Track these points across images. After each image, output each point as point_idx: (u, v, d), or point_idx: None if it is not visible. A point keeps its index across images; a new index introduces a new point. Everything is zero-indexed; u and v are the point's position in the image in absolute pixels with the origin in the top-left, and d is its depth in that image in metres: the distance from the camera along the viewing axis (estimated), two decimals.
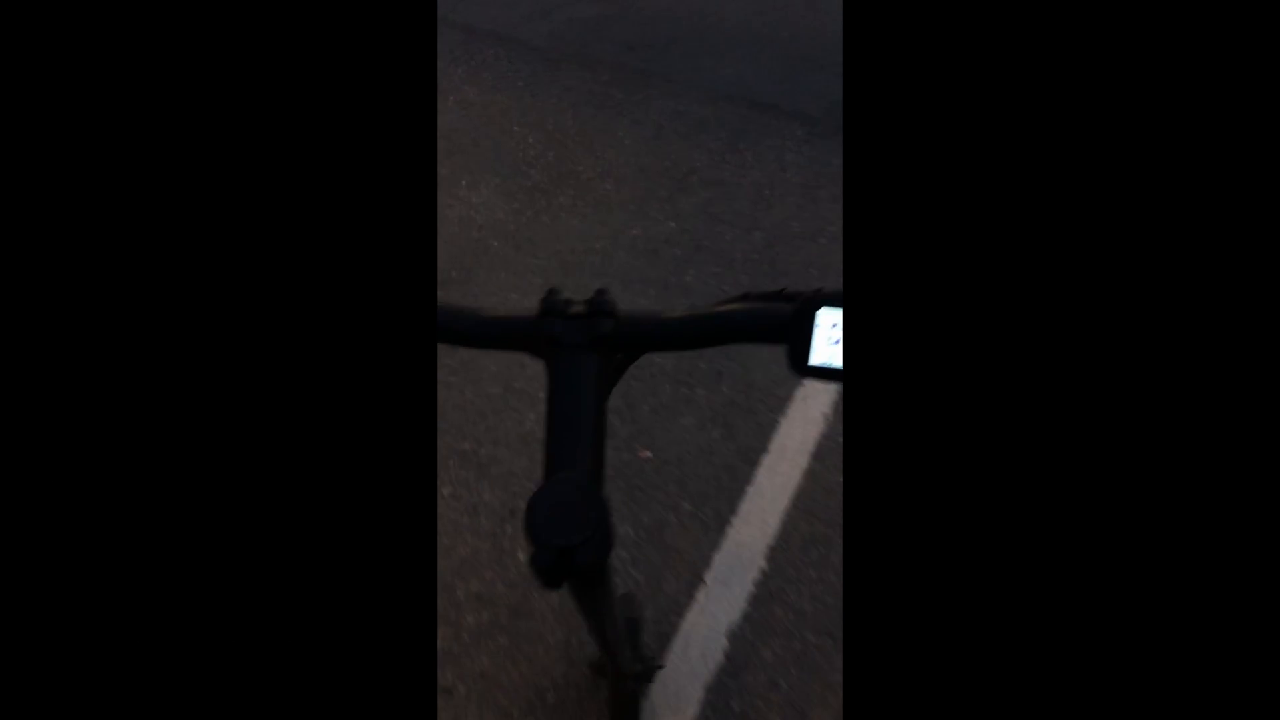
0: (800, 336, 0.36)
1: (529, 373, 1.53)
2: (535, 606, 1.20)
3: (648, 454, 1.41)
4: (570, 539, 0.32)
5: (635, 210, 1.95)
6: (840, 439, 1.45)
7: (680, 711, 1.12)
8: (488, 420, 1.47)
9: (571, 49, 2.56)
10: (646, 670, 1.10)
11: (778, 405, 1.50)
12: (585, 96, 2.36)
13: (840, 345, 0.36)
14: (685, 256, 1.83)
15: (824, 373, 0.36)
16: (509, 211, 1.94)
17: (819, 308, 0.36)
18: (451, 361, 1.55)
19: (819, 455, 1.42)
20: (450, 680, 1.13)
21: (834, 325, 0.36)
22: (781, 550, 1.28)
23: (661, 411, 1.48)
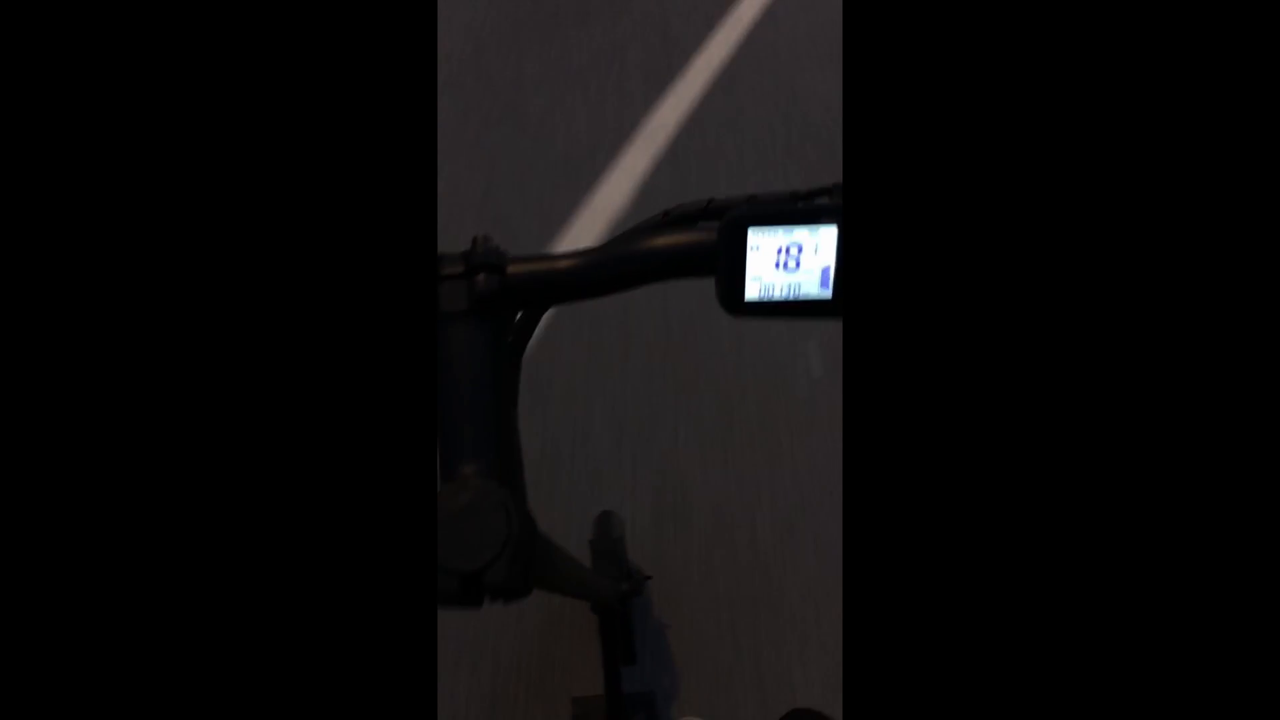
0: (731, 267, 0.28)
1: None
2: None
3: None
4: (476, 560, 0.25)
5: None
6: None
7: None
8: None
9: None
10: (634, 587, 1.02)
11: None
12: None
13: (784, 270, 0.27)
14: None
15: (764, 308, 0.28)
16: None
17: (747, 228, 0.27)
18: None
19: None
20: None
21: (775, 249, 0.27)
22: None
23: None
